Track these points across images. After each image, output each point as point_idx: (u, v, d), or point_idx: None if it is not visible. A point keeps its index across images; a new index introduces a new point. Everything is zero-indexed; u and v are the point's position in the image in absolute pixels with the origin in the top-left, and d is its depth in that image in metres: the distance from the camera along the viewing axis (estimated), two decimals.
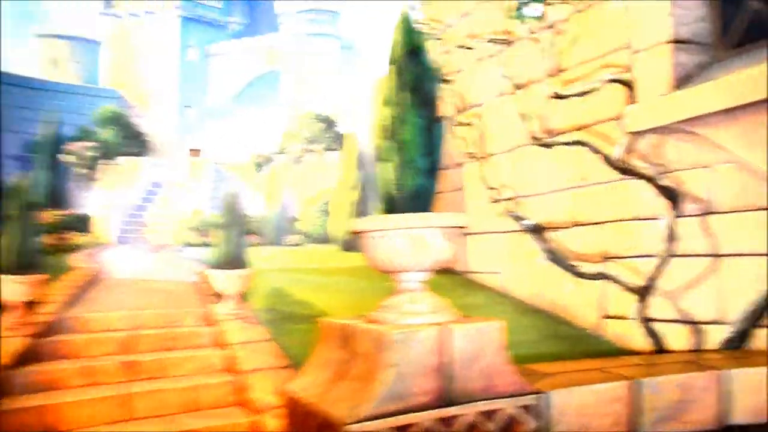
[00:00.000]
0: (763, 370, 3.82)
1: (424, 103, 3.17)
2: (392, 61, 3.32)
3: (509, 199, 6.96)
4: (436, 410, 2.83)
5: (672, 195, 5.03)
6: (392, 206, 3.13)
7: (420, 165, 3.10)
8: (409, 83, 3.20)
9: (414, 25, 3.36)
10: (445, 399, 2.91)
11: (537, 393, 3.16)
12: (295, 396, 3.38)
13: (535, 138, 6.53)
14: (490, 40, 7.26)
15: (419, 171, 3.11)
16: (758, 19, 4.69)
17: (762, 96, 4.08)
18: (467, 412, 2.90)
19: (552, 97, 6.26)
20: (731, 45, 4.88)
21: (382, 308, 3.25)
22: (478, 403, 2.94)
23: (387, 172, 3.13)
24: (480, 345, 3.03)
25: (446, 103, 8.20)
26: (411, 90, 3.19)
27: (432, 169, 3.16)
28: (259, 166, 23.37)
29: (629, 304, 5.38)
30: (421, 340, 2.92)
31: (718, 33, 4.99)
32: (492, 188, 7.28)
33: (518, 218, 6.78)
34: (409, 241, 3.05)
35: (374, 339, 2.98)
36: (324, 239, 15.95)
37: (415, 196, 3.12)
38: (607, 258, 5.66)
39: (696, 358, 4.28)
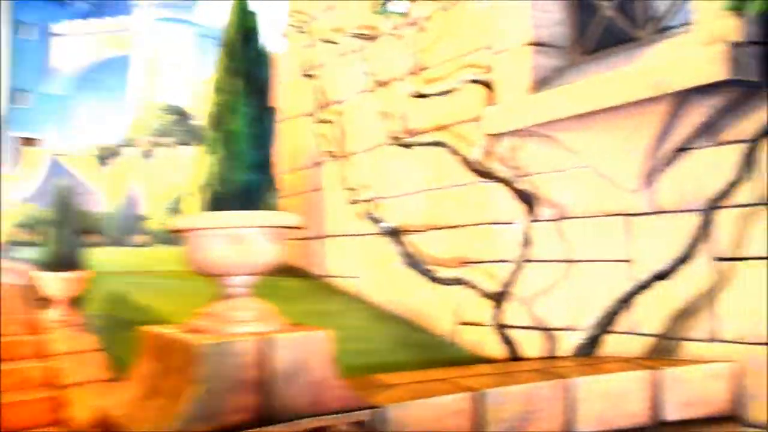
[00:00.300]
0: (608, 376, 3.98)
1: (257, 91, 3.05)
2: (225, 44, 3.19)
3: (368, 200, 6.96)
4: (254, 429, 2.71)
5: (528, 199, 5.19)
6: (216, 203, 2.99)
7: (250, 159, 2.98)
8: (242, 69, 3.07)
9: (249, 7, 3.24)
10: (265, 417, 2.77)
11: (372, 408, 3.11)
12: (106, 414, 3.16)
13: (395, 137, 6.56)
14: (354, 35, 7.25)
15: (249, 165, 2.99)
16: (612, 26, 4.95)
17: (611, 103, 4.29)
18: (290, 430, 2.80)
19: (413, 95, 6.32)
20: (587, 50, 5.11)
21: (203, 316, 3.09)
22: (304, 420, 2.83)
23: (211, 166, 2.99)
24: (306, 357, 2.92)
25: (308, 99, 8.14)
26: (243, 76, 3.06)
27: (264, 163, 3.06)
28: (102, 158, 22.27)
29: (485, 310, 5.50)
30: (236, 352, 2.76)
31: (575, 37, 5.21)
32: (351, 189, 7.26)
33: (376, 220, 6.79)
34: (230, 243, 2.90)
35: (185, 351, 2.81)
36: (174, 239, 15.42)
37: (244, 192, 2.99)
38: (464, 263, 5.77)
39: (546, 366, 4.39)
